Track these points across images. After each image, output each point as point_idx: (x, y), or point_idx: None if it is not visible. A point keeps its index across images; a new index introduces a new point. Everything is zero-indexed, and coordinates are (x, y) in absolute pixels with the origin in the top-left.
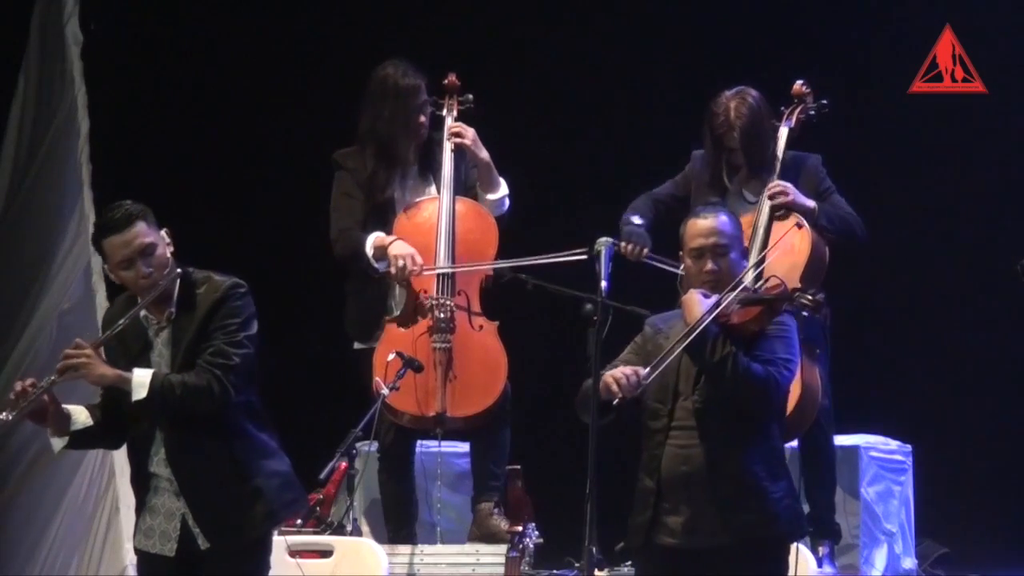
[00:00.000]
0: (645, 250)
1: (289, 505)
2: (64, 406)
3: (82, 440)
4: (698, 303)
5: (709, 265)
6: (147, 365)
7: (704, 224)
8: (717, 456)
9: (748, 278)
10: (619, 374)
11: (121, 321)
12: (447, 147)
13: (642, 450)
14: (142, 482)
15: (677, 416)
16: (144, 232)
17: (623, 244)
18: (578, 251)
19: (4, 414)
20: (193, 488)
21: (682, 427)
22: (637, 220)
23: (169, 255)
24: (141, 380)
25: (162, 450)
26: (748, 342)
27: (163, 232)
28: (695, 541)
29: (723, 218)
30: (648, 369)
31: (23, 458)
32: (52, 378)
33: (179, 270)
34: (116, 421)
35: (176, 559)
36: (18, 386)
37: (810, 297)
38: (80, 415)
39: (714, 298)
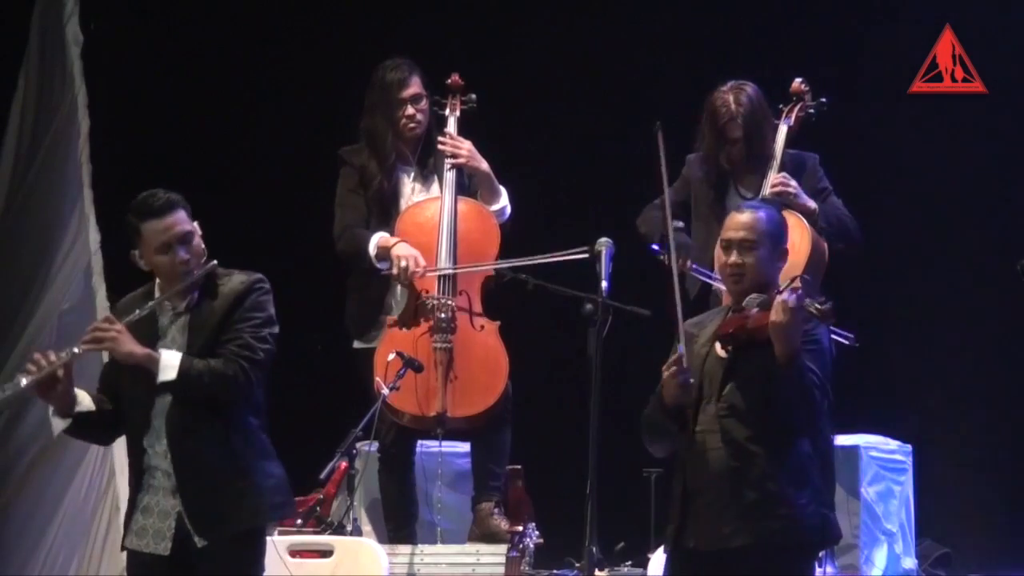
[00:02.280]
0: (688, 261)
1: (278, 507)
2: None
3: (83, 425)
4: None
5: (732, 258)
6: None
7: (738, 218)
8: (741, 462)
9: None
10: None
11: (151, 303)
12: (447, 164)
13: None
14: (136, 479)
15: (701, 420)
16: (184, 220)
17: (663, 256)
18: (579, 250)
19: (20, 379)
20: (189, 475)
21: (707, 431)
22: (681, 224)
23: (203, 246)
24: (170, 362)
25: (163, 440)
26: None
27: (195, 224)
28: (720, 543)
29: (760, 215)
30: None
31: (23, 458)
32: (74, 350)
33: (215, 261)
34: (112, 412)
35: (170, 559)
36: (36, 355)
37: (818, 306)
38: (84, 398)
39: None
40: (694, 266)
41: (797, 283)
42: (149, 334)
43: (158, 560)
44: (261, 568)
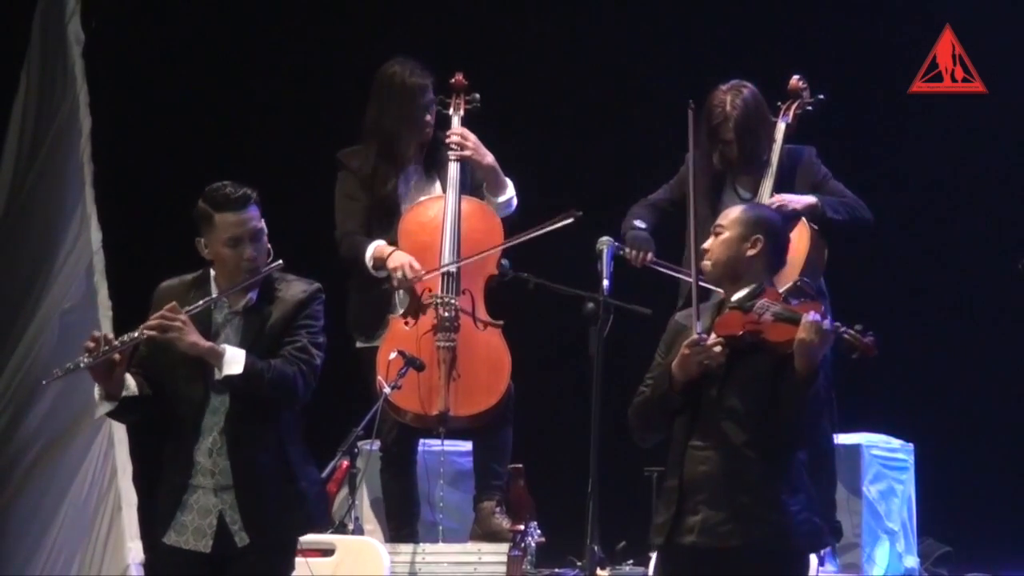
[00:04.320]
0: (649, 255)
1: (323, 516)
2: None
3: (125, 409)
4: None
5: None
6: None
7: (725, 211)
8: (736, 464)
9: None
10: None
11: (213, 297)
12: (452, 156)
13: (669, 449)
14: (175, 475)
15: (700, 419)
16: (256, 216)
17: (627, 250)
18: (566, 215)
19: (81, 360)
20: (246, 478)
21: (704, 430)
22: (640, 224)
23: (269, 246)
24: (235, 357)
25: (209, 438)
26: (780, 360)
27: (263, 222)
28: (713, 541)
29: (742, 207)
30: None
31: (25, 458)
32: (135, 335)
33: (280, 261)
34: (151, 398)
35: (209, 556)
36: (96, 334)
37: (853, 332)
38: (131, 382)
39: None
40: (653, 259)
41: (808, 288)
42: (202, 331)
43: (197, 557)
44: (292, 567)
